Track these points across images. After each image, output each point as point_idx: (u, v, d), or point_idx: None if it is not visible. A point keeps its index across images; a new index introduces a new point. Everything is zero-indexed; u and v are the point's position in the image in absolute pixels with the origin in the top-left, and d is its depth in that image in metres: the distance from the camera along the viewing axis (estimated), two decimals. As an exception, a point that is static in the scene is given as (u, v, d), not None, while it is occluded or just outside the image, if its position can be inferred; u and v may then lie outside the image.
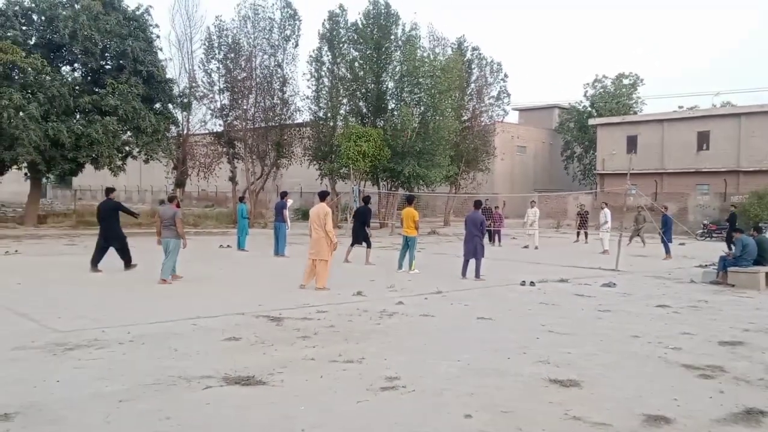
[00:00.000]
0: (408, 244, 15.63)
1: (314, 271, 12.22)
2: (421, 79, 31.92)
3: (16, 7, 27.54)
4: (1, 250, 18.33)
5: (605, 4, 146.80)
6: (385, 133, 31.81)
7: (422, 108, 32.50)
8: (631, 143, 45.38)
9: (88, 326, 8.25)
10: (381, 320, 9.22)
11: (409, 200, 16.99)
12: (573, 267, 17.12)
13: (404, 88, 32.90)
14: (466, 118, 37.88)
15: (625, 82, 55.03)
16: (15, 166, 28.12)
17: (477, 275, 14.13)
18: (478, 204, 15.16)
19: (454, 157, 35.12)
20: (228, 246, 21.30)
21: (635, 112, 53.04)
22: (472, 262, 14.32)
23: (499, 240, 25.67)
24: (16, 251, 18.05)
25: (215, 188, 50.41)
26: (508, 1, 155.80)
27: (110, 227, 14.39)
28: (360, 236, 17.42)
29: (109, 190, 15.18)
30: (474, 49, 38.31)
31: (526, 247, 23.91)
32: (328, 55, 33.75)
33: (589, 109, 54.94)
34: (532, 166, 57.93)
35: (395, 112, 33.29)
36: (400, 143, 31.39)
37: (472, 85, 38.20)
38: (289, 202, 19.60)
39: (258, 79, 33.38)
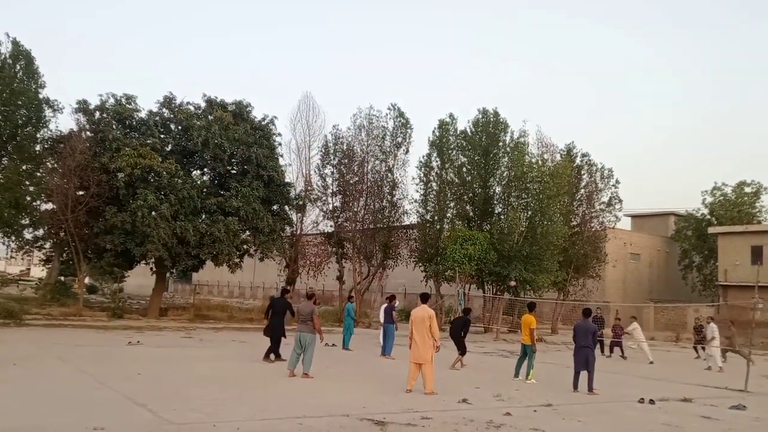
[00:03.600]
0: (526, 352, 15.13)
1: (416, 374, 12.01)
2: (529, 184, 31.85)
3: (157, 118, 30.58)
4: (124, 340, 19.41)
5: (717, 110, 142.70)
6: (492, 236, 31.64)
7: (530, 212, 32.22)
8: (756, 253, 42.45)
9: (200, 420, 8.44)
10: (488, 431, 8.80)
11: (530, 307, 16.25)
12: (695, 385, 15.78)
13: (512, 192, 32.91)
14: (575, 223, 37.06)
15: (747, 190, 52.28)
16: (143, 261, 30.21)
17: (590, 389, 13.31)
18: (587, 312, 14.52)
19: (563, 262, 34.16)
20: (333, 345, 21.42)
21: (759, 222, 49.88)
22: (584, 374, 13.55)
23: (622, 351, 24.25)
24: (138, 342, 19.01)
25: (323, 286, 51.48)
26: (618, 109, 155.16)
27: (281, 322, 16.04)
28: (458, 344, 17.31)
29: (285, 291, 17.14)
30: (584, 155, 37.98)
31: (651, 363, 22.18)
32: (437, 161, 34.58)
33: (708, 217, 52.30)
34: (647, 274, 55.13)
35: (502, 216, 33.18)
36: (507, 247, 31.05)
37: (582, 191, 37.55)
38: (397, 303, 19.80)
39: (369, 183, 34.61)
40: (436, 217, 34.19)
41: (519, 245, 31.00)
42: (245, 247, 31.53)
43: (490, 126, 33.80)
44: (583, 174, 37.86)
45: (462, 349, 17.15)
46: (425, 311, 12.22)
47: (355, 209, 34.54)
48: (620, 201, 37.94)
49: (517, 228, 31.06)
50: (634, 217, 62.61)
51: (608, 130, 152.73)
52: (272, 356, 15.77)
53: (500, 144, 33.80)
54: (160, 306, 30.90)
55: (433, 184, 34.61)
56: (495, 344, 26.09)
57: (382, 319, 19.54)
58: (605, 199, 37.83)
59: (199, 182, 30.65)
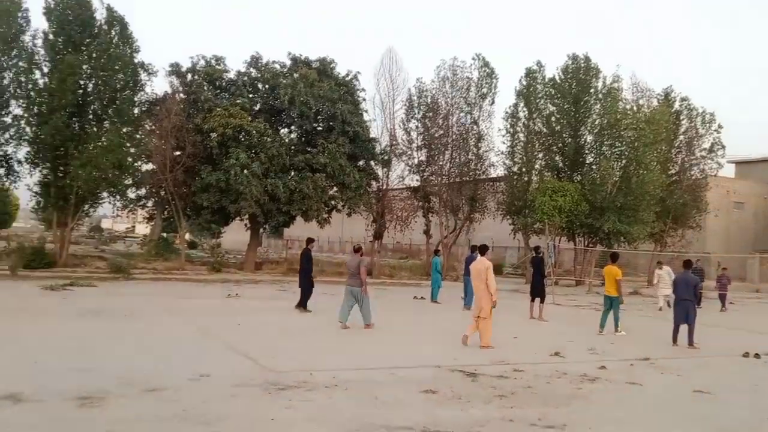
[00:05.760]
0: (611, 305, 14.69)
1: (476, 327, 11.74)
2: (623, 132, 30.51)
3: (245, 78, 31.39)
4: (224, 292, 20.38)
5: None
6: (583, 187, 30.69)
7: (624, 161, 30.93)
8: None
9: (297, 368, 8.78)
10: (582, 385, 8.68)
11: (613, 257, 15.85)
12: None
13: (604, 141, 31.64)
14: (673, 171, 35.31)
15: None
16: (238, 218, 31.39)
17: (690, 342, 12.82)
18: (687, 264, 13.91)
19: (660, 212, 32.72)
20: (422, 297, 21.66)
21: None
22: (684, 327, 13.05)
23: (723, 305, 23.28)
24: (237, 294, 19.92)
25: (410, 241, 51.83)
26: (721, 47, 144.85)
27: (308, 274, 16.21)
28: (537, 289, 17.01)
29: (310, 240, 17.08)
30: (683, 99, 35.86)
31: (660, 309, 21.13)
32: (524, 111, 33.67)
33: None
34: (752, 224, 52.01)
35: (594, 166, 32.05)
36: (599, 198, 30.04)
37: (681, 137, 35.61)
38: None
39: (454, 136, 34.17)
40: (523, 169, 33.51)
41: (612, 196, 29.93)
42: (333, 202, 32.10)
43: (580, 72, 32.48)
44: (683, 119, 35.88)
45: (542, 295, 16.91)
46: (482, 263, 11.91)
47: (441, 163, 34.27)
48: (723, 147, 35.74)
49: (610, 178, 29.95)
50: (738, 163, 58.82)
51: (712, 72, 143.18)
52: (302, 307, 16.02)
53: (591, 91, 32.49)
54: (255, 260, 32.10)
55: (521, 134, 33.81)
56: (587, 297, 25.55)
57: (464, 271, 19.46)
58: (706, 145, 35.74)
59: (287, 140, 31.31)
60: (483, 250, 12.60)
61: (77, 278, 21.33)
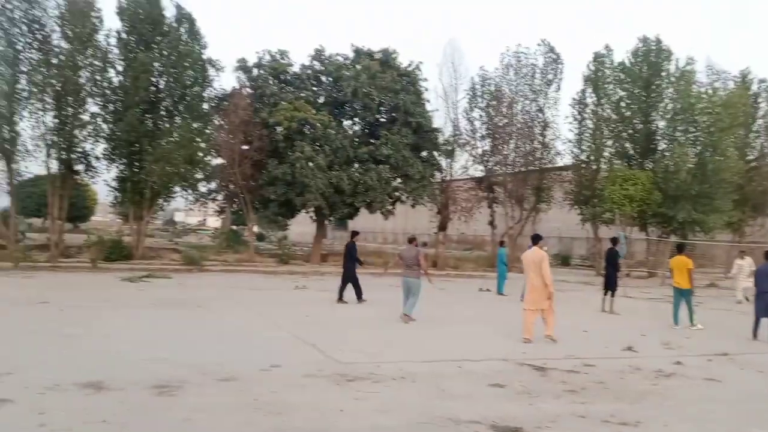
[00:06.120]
0: (682, 297, 14.16)
1: (532, 321, 11.28)
2: (697, 117, 29.24)
3: (309, 71, 31.75)
4: (291, 284, 20.78)
5: None
6: (655, 175, 29.64)
7: (699, 147, 29.63)
8: None
9: (365, 360, 8.87)
10: (657, 381, 8.42)
11: (680, 248, 15.33)
12: None
13: (677, 126, 30.40)
14: (752, 157, 33.63)
15: None
16: (304, 210, 31.89)
17: (772, 337, 12.24)
18: (770, 255, 13.23)
19: (738, 200, 31.24)
20: (488, 290, 21.48)
21: None
22: (765, 321, 12.45)
23: None
24: (304, 286, 20.27)
25: (474, 232, 51.38)
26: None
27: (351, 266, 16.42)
28: (610, 281, 16.60)
29: (354, 233, 17.36)
30: (761, 81, 34.08)
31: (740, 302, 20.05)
32: (592, 97, 32.71)
33: None
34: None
35: (666, 153, 30.86)
36: (673, 186, 28.93)
37: (760, 121, 33.87)
38: (546, 247, 19.00)
39: (519, 125, 33.59)
40: (592, 157, 32.62)
41: (687, 184, 28.77)
42: (397, 194, 32.18)
43: (651, 55, 31.34)
44: (761, 102, 34.08)
45: (613, 290, 16.50)
46: (537, 254, 11.46)
47: (505, 152, 33.76)
48: (807, 129, 33.77)
49: (684, 165, 28.78)
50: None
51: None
52: (344, 298, 16.13)
53: (663, 74, 31.32)
54: (321, 252, 32.55)
55: (588, 121, 32.91)
56: (661, 290, 24.69)
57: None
58: (789, 128, 33.87)
59: (350, 132, 31.53)
60: (536, 240, 11.96)
61: (153, 270, 22.24)
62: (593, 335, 12.32)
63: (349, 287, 16.36)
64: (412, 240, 14.01)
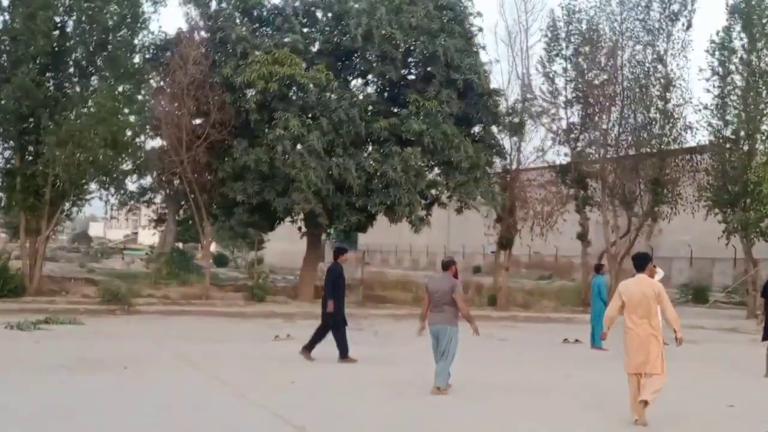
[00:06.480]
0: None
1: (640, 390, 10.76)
2: None
3: (297, 4, 31.53)
4: (269, 333, 20.67)
5: None
6: None
7: None
8: None
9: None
10: None
11: None
12: None
13: None
14: None
15: None
16: (289, 218, 31.75)
17: None
18: None
19: None
20: (576, 341, 21.22)
21: None
22: None
23: None
24: (288, 336, 20.11)
25: (555, 250, 51.06)
26: None
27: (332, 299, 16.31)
28: None
29: (340, 251, 17.05)
30: None
31: None
32: (742, 39, 32.40)
33: None
34: None
35: None
36: None
37: None
38: (658, 274, 18.62)
39: (626, 83, 33.40)
40: (742, 133, 32.26)
41: None
42: (434, 192, 32.02)
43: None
44: None
45: None
46: (647, 285, 10.86)
47: (605, 126, 33.56)
48: None
49: None
50: None
51: None
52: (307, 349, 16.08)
53: None
54: (315, 283, 32.43)
55: (737, 77, 32.55)
56: None
57: None
58: None
59: (361, 96, 31.42)
60: (643, 262, 11.45)
61: (56, 312, 22.26)
62: (744, 413, 12.03)
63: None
64: (448, 265, 13.57)
